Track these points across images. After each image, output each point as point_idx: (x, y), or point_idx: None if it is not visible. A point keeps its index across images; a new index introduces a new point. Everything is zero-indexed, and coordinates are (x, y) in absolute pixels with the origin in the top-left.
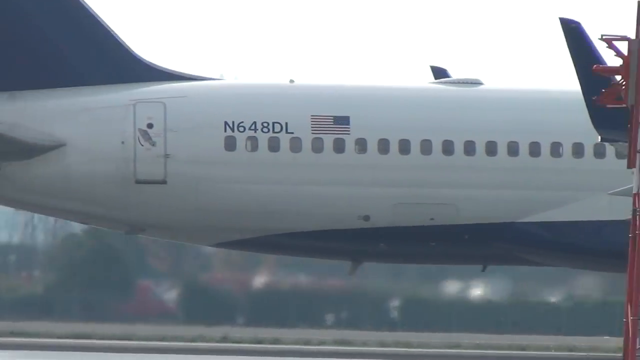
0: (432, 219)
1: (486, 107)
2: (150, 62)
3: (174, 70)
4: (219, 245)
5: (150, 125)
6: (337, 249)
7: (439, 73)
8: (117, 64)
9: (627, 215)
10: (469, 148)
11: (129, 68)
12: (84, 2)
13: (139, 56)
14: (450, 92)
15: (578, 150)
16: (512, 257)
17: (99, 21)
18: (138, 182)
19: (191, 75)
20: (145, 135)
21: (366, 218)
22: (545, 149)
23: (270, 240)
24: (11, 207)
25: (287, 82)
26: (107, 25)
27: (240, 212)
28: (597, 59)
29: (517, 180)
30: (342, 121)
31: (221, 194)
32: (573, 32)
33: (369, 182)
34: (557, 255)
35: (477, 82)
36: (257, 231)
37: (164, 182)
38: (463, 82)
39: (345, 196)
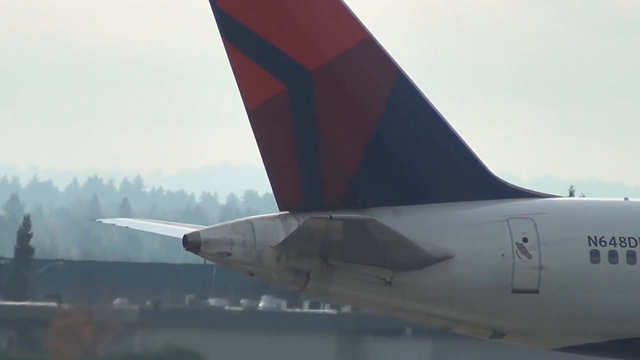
0: None
1: None
2: (499, 178)
3: (519, 187)
4: (559, 349)
5: (525, 240)
6: None
7: None
8: (478, 181)
9: None
10: None
11: (490, 185)
12: (448, 122)
13: (491, 172)
14: None
15: None
16: None
17: (462, 141)
18: (514, 291)
19: (536, 192)
20: (522, 248)
21: None
22: None
23: (615, 344)
24: (398, 316)
25: (623, 199)
26: (466, 144)
27: (599, 318)
28: None
29: None
30: None
31: (586, 302)
32: None
33: None
34: None
35: None
36: (606, 336)
37: (536, 291)
38: None
39: None
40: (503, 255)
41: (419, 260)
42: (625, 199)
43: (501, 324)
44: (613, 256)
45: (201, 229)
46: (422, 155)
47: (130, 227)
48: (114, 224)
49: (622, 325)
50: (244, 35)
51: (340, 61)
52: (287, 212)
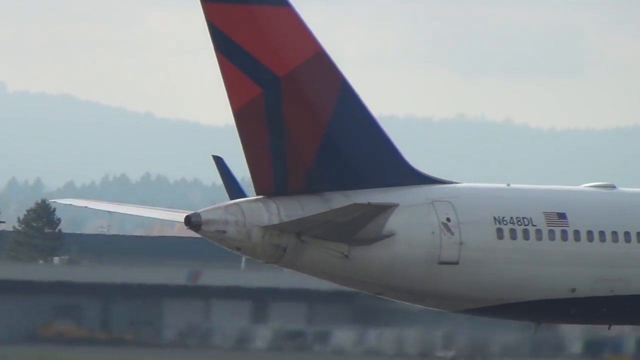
0: (612, 290)
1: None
2: (415, 168)
3: (428, 175)
4: (462, 311)
5: (448, 220)
6: (546, 314)
7: None
8: (402, 169)
9: None
10: None
11: (410, 173)
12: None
13: (409, 162)
14: (612, 195)
15: None
16: None
17: (388, 136)
18: (440, 263)
19: (442, 179)
20: (447, 227)
21: (573, 290)
22: None
23: (502, 308)
24: (350, 285)
25: (506, 185)
26: (391, 138)
27: (502, 285)
28: None
29: None
30: (563, 216)
31: (493, 272)
32: None
33: (578, 263)
34: None
35: (613, 186)
36: (506, 300)
37: (457, 263)
38: (605, 186)
39: (562, 273)
40: (433, 233)
41: (373, 237)
42: (508, 184)
43: (427, 290)
44: (513, 233)
45: (201, 210)
46: (363, 148)
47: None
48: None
49: (520, 291)
50: (230, 46)
51: (303, 68)
52: (262, 196)
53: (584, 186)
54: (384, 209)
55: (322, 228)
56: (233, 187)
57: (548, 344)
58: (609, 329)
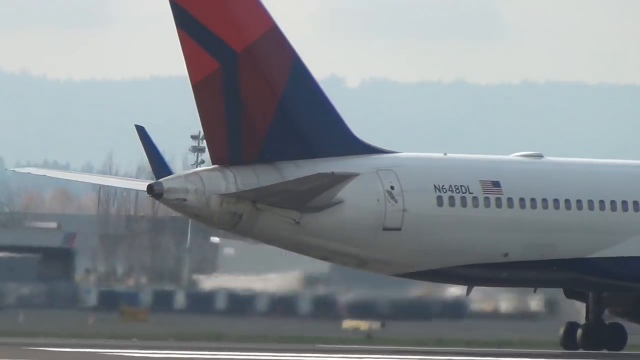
0: (542, 255)
1: (571, 175)
2: (358, 137)
3: (371, 145)
4: (402, 275)
5: (392, 187)
6: (480, 278)
7: None
8: (348, 140)
9: None
10: (568, 205)
11: (355, 143)
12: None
13: (353, 132)
14: (542, 164)
15: (625, 206)
16: (585, 282)
17: (335, 108)
18: (385, 229)
19: (383, 148)
20: (391, 194)
21: (506, 255)
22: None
23: (440, 272)
24: (301, 251)
25: (443, 154)
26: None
27: (441, 250)
28: None
29: (591, 227)
30: (497, 184)
31: (434, 237)
32: None
33: (511, 229)
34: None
35: (541, 155)
36: (446, 264)
37: (399, 229)
38: (534, 155)
39: (496, 239)
40: (378, 200)
41: (324, 205)
42: (445, 153)
43: (371, 255)
44: (452, 200)
45: (162, 179)
46: (312, 119)
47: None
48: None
49: (457, 256)
50: (191, 22)
51: (258, 43)
52: (218, 165)
53: (514, 155)
54: (346, 178)
55: (278, 196)
56: (156, 159)
57: (62, 296)
58: (534, 292)
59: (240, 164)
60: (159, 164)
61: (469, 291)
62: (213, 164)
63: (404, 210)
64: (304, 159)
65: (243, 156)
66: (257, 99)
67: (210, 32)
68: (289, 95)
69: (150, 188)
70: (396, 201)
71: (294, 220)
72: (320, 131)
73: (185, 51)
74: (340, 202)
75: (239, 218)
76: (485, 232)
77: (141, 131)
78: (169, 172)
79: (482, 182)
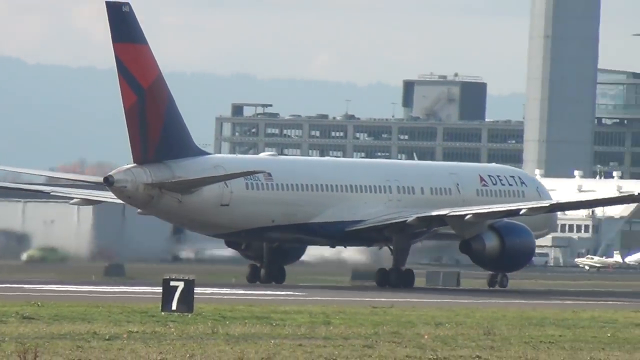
0: (273, 220)
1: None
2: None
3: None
4: (219, 236)
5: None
6: (258, 236)
7: None
8: (192, 144)
9: None
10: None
11: (192, 146)
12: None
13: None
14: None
15: None
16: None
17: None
18: (222, 205)
19: (204, 150)
20: (225, 182)
21: (273, 221)
22: None
23: (239, 233)
24: (181, 224)
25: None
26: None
27: (242, 218)
28: None
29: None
30: (270, 175)
31: (240, 211)
32: None
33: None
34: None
35: (277, 154)
36: (238, 228)
37: (228, 205)
38: (274, 154)
39: (267, 210)
40: (219, 186)
41: (195, 190)
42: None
43: (212, 223)
44: (252, 185)
45: (114, 172)
46: (177, 129)
47: None
48: None
49: (247, 222)
50: (123, 68)
51: (154, 82)
52: (136, 164)
53: (263, 154)
54: (255, 174)
55: (178, 185)
56: None
57: None
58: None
59: (147, 163)
60: None
61: (246, 246)
62: (134, 162)
63: (231, 192)
64: (174, 159)
65: (148, 157)
66: (154, 119)
67: (132, 75)
68: (168, 114)
69: (106, 179)
70: (227, 186)
71: (178, 200)
72: (181, 138)
73: (120, 88)
74: (200, 188)
75: (151, 198)
76: (261, 205)
77: None
78: None
79: (265, 175)
